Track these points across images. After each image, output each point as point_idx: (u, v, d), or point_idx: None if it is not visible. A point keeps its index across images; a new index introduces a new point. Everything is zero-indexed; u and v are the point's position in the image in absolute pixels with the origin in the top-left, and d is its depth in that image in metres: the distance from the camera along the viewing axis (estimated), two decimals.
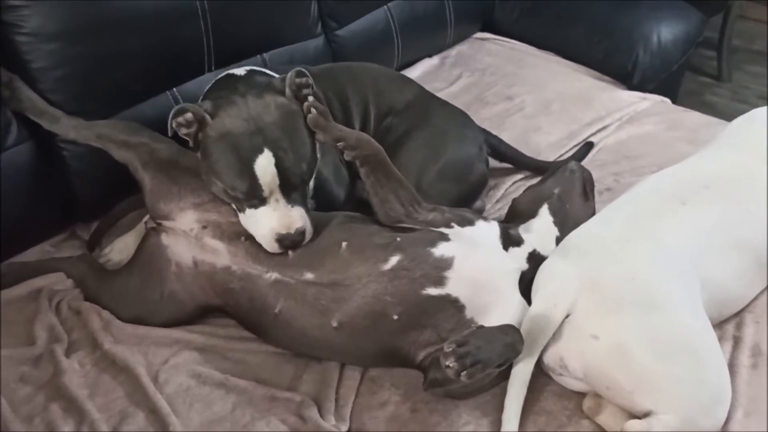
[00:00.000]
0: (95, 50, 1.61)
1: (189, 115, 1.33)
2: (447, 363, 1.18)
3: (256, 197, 1.34)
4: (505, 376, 1.32)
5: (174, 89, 1.78)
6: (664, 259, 1.35)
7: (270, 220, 1.35)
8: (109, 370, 1.39)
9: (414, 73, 2.36)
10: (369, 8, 2.21)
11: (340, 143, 1.37)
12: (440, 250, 1.37)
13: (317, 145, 1.44)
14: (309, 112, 1.35)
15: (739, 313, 1.50)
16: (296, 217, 1.36)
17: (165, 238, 1.47)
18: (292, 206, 1.36)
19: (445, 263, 1.35)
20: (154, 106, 1.74)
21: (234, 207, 1.40)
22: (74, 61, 1.58)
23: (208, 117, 1.33)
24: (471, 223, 1.45)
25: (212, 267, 1.42)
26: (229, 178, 1.33)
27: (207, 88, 1.56)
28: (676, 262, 1.36)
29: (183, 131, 1.35)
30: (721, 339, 1.44)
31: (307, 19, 2.02)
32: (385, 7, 2.25)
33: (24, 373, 1.37)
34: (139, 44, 1.65)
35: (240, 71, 1.51)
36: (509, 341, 1.25)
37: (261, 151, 1.31)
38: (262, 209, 1.35)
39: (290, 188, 1.35)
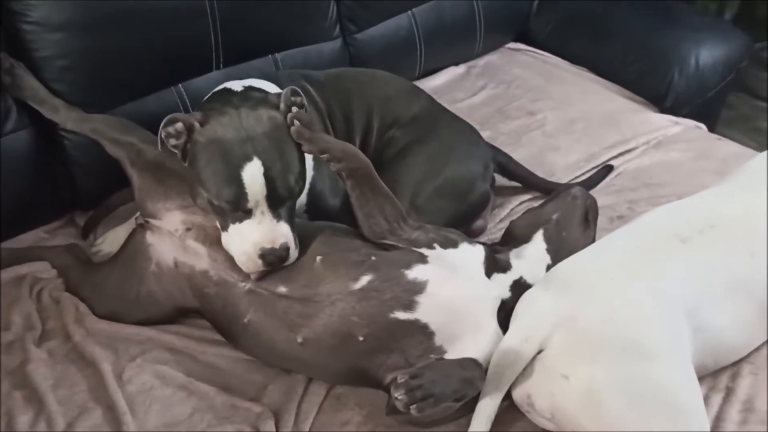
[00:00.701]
0: (100, 43, 1.62)
1: (179, 125, 1.31)
2: (396, 395, 1.15)
3: (241, 208, 1.29)
4: (471, 408, 1.27)
5: (179, 85, 1.78)
6: (651, 302, 1.27)
7: (254, 234, 1.30)
8: (77, 362, 1.40)
9: (436, 81, 2.31)
10: (392, 12, 2.15)
11: (325, 155, 1.33)
12: (414, 272, 1.32)
13: (311, 161, 1.40)
14: (292, 123, 1.32)
15: (736, 363, 1.41)
16: (281, 233, 1.32)
17: (150, 237, 1.47)
18: (278, 221, 1.32)
19: (418, 287, 1.31)
20: (158, 101, 1.74)
21: (218, 225, 1.36)
22: (78, 53, 1.60)
23: (197, 125, 1.31)
24: (455, 245, 1.40)
25: (191, 269, 1.41)
26: (216, 185, 1.29)
27: (203, 101, 1.53)
28: (665, 306, 1.27)
29: (172, 142, 1.32)
30: (712, 389, 1.37)
31: (324, 20, 1.98)
32: (409, 12, 2.19)
33: None
34: (144, 39, 1.66)
35: (237, 86, 1.47)
36: (467, 377, 1.20)
37: (250, 159, 1.28)
38: (246, 223, 1.30)
39: (277, 201, 1.30)
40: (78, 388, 1.35)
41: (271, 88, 1.52)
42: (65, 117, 1.56)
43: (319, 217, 1.54)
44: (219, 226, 1.36)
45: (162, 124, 1.30)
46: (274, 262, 1.32)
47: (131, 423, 1.28)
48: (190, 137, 1.31)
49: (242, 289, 1.36)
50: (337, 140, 1.39)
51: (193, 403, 1.34)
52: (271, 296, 1.34)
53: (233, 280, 1.37)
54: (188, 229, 1.43)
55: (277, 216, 1.32)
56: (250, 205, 1.29)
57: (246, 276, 1.35)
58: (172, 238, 1.44)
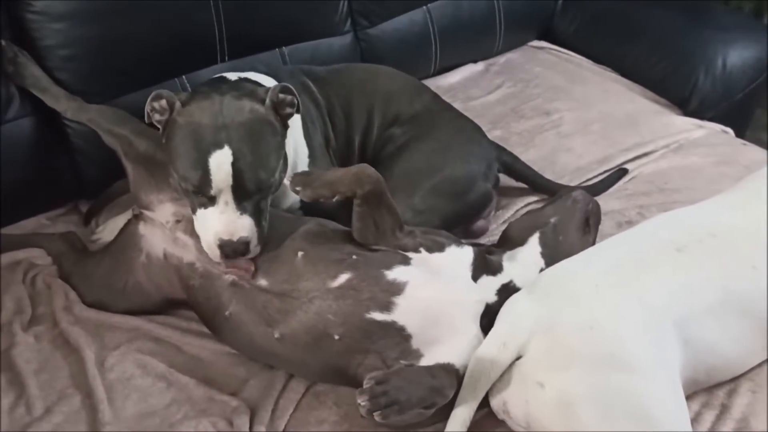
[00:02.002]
0: (103, 32, 1.63)
1: (163, 102, 1.32)
2: (360, 401, 1.12)
3: (204, 194, 1.29)
4: (448, 413, 1.23)
5: (183, 77, 1.79)
6: (634, 311, 1.21)
7: (214, 223, 1.29)
8: (62, 348, 1.42)
9: (453, 78, 2.28)
10: (406, 8, 2.12)
11: (336, 195, 1.28)
12: (395, 273, 1.29)
13: (307, 158, 1.38)
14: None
15: (735, 380, 1.34)
16: (242, 226, 1.29)
17: (142, 228, 1.47)
18: (241, 214, 1.29)
19: (396, 288, 1.28)
20: None
21: (189, 206, 1.36)
22: (81, 42, 1.62)
23: (179, 104, 1.31)
24: (441, 248, 1.36)
25: (179, 261, 1.41)
26: (183, 167, 1.29)
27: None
28: (650, 316, 1.22)
29: (156, 117, 1.33)
30: (705, 406, 1.31)
31: (335, 14, 1.96)
32: (424, 7, 2.15)
33: None
34: (147, 29, 1.67)
35: (233, 76, 1.47)
36: (436, 385, 1.18)
37: (220, 147, 1.27)
38: (210, 210, 1.30)
39: (243, 193, 1.28)
40: (60, 373, 1.37)
41: (270, 82, 1.51)
42: (65, 106, 1.58)
43: (314, 214, 1.52)
44: (190, 209, 1.35)
45: (149, 99, 1.31)
46: (230, 254, 1.30)
47: (107, 411, 1.29)
48: (171, 115, 1.31)
49: (225, 282, 1.35)
50: (343, 171, 1.32)
51: (171, 394, 1.35)
52: (252, 289, 1.33)
53: (217, 272, 1.36)
54: (178, 221, 1.43)
55: (242, 209, 1.29)
56: (213, 192, 1.28)
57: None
58: (163, 229, 1.44)
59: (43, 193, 1.72)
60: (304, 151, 1.52)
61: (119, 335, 1.44)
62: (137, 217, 1.50)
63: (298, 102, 1.37)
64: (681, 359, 1.23)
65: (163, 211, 1.46)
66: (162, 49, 1.71)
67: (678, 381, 1.20)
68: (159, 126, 1.35)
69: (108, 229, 1.68)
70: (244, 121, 1.30)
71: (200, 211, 1.31)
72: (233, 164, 1.27)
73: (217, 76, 1.51)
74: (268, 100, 1.33)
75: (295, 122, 1.47)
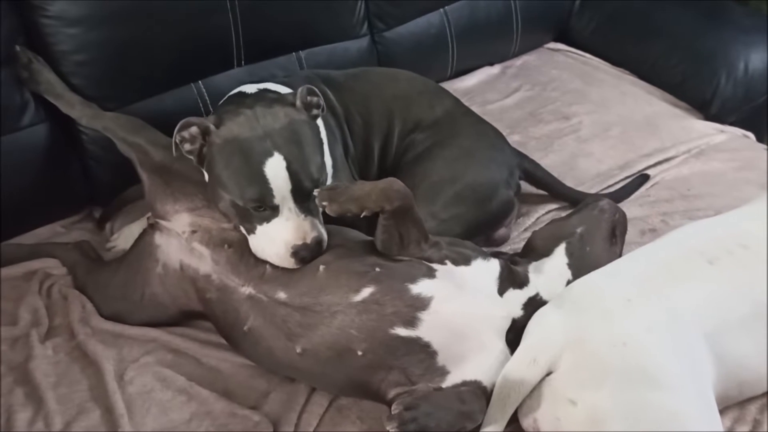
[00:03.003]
0: (117, 38, 1.61)
1: (194, 129, 1.29)
2: (388, 427, 1.11)
3: (267, 205, 1.27)
4: None
5: (199, 82, 1.76)
6: (668, 327, 1.19)
7: (284, 233, 1.27)
8: (80, 361, 1.39)
9: (469, 82, 2.24)
10: (423, 10, 2.09)
11: (365, 211, 1.24)
12: (419, 287, 1.26)
13: (330, 168, 1.38)
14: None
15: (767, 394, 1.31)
16: (311, 226, 1.29)
17: (158, 237, 1.45)
18: (306, 216, 1.29)
19: (421, 303, 1.25)
20: (177, 98, 1.72)
21: (243, 230, 1.33)
22: (95, 47, 1.59)
23: (212, 127, 1.29)
24: (467, 261, 1.33)
25: (196, 273, 1.39)
26: (238, 185, 1.27)
27: (218, 105, 1.50)
28: (683, 332, 1.19)
29: (186, 147, 1.30)
30: (737, 421, 1.30)
31: (351, 18, 1.93)
32: (441, 10, 2.12)
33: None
34: (162, 34, 1.64)
35: (251, 89, 1.45)
36: (465, 410, 1.16)
37: (271, 155, 1.26)
38: (274, 222, 1.28)
39: (302, 194, 1.28)
40: (78, 387, 1.35)
41: (287, 91, 1.47)
42: (80, 113, 1.55)
43: (332, 221, 1.49)
44: (244, 230, 1.32)
45: (176, 129, 1.28)
46: (306, 258, 1.29)
47: (127, 425, 1.27)
48: (206, 140, 1.29)
49: (243, 294, 1.33)
50: (370, 185, 1.26)
51: (192, 408, 1.32)
52: (270, 302, 1.30)
53: (234, 284, 1.34)
54: (194, 232, 1.41)
55: (305, 210, 1.29)
56: (276, 201, 1.27)
57: (246, 280, 1.32)
58: (179, 239, 1.42)
59: (57, 200, 1.70)
60: (328, 162, 1.49)
61: (137, 347, 1.42)
62: (152, 227, 1.48)
63: (323, 103, 1.37)
64: (713, 374, 1.21)
65: (180, 221, 1.43)
66: (178, 53, 1.68)
67: (711, 397, 1.18)
68: (191, 156, 1.31)
69: (123, 237, 1.66)
70: (284, 125, 1.30)
71: (261, 228, 1.29)
72: (288, 168, 1.26)
73: (235, 91, 1.48)
74: (298, 102, 1.33)
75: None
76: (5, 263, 1.56)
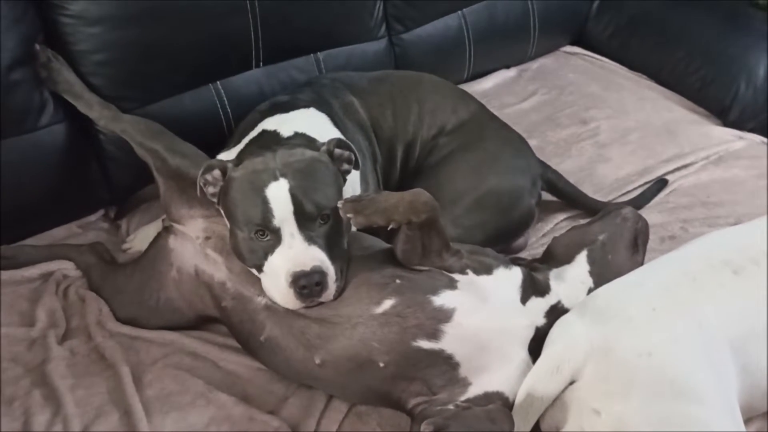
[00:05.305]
0: (137, 37, 1.60)
1: (216, 172, 1.28)
2: None
3: (268, 229, 1.22)
4: None
5: (218, 83, 1.75)
6: (694, 337, 1.18)
7: (285, 262, 1.21)
8: (98, 363, 1.39)
9: (485, 84, 2.23)
10: (441, 12, 2.08)
11: (392, 223, 1.21)
12: (442, 299, 1.24)
13: (359, 179, 1.36)
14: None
15: None
16: (312, 256, 1.21)
17: (173, 241, 1.44)
18: (309, 244, 1.22)
19: (444, 315, 1.23)
20: (195, 98, 1.72)
21: (256, 272, 1.28)
22: (115, 47, 1.58)
23: (231, 165, 1.28)
24: (489, 271, 1.31)
25: (211, 279, 1.38)
26: (243, 211, 1.24)
27: (248, 140, 1.46)
28: (709, 342, 1.18)
29: (210, 190, 1.29)
30: None
31: (370, 20, 1.92)
32: (459, 12, 2.11)
33: (17, 353, 1.39)
34: (182, 35, 1.63)
35: (287, 131, 1.41)
36: (495, 430, 1.14)
37: (276, 179, 1.23)
38: (277, 252, 1.23)
39: (305, 219, 1.22)
40: (96, 389, 1.34)
41: (323, 131, 1.44)
42: (98, 114, 1.54)
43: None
44: (256, 271, 1.28)
45: (200, 172, 1.28)
46: (308, 286, 1.20)
47: (146, 429, 1.26)
48: (224, 180, 1.28)
49: (258, 305, 1.31)
50: (397, 197, 1.23)
51: (210, 413, 1.31)
52: (287, 314, 1.28)
53: (249, 294, 1.32)
54: (208, 238, 1.40)
55: (309, 239, 1.23)
56: (276, 222, 1.22)
57: (262, 290, 1.29)
58: (194, 244, 1.41)
59: (74, 200, 1.69)
60: (356, 180, 1.47)
61: (155, 350, 1.41)
62: (167, 230, 1.47)
63: (356, 157, 1.32)
64: (738, 385, 1.20)
65: (194, 226, 1.42)
66: (197, 54, 1.68)
67: (737, 408, 1.17)
68: (214, 199, 1.30)
69: (139, 238, 1.65)
70: (298, 159, 1.27)
71: (267, 263, 1.24)
72: (290, 190, 1.22)
73: (270, 129, 1.44)
74: (324, 148, 1.30)
75: None
76: (22, 265, 1.55)
